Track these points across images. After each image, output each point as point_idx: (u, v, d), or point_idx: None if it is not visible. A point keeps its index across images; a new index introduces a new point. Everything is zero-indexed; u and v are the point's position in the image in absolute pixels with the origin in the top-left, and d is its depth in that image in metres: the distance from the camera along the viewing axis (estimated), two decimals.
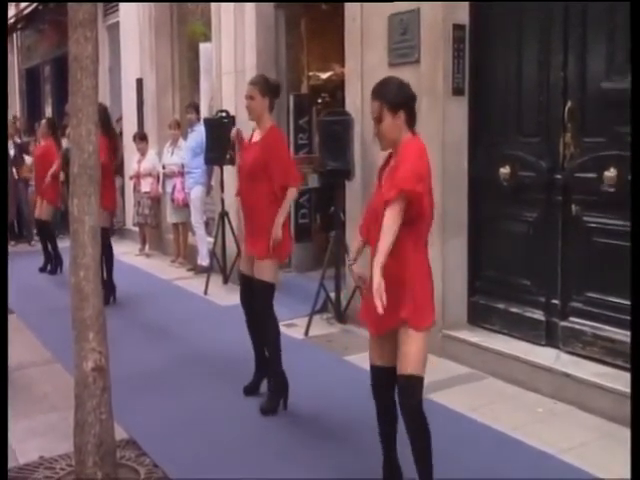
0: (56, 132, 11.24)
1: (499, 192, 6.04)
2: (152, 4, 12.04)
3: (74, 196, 3.94)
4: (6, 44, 16.75)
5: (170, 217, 10.99)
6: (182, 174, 10.61)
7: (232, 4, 9.25)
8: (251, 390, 5.47)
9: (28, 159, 13.48)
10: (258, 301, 5.21)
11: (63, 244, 10.22)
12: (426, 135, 6.16)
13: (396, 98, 3.69)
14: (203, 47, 10.87)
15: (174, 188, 10.74)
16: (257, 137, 5.34)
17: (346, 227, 7.35)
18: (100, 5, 13.50)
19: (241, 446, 4.70)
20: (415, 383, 3.60)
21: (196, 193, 10.18)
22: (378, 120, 3.71)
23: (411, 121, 3.76)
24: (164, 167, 11.06)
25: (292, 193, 5.26)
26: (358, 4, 7.00)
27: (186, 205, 10.53)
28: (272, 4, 9.04)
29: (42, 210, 10.60)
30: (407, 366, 3.59)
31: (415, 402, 3.60)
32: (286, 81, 9.34)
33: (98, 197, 4.00)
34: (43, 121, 11.57)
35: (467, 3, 6.19)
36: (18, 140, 14.14)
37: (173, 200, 10.76)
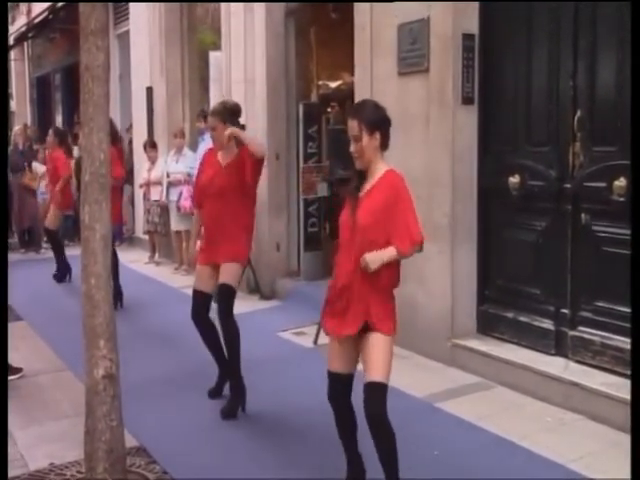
0: (65, 139, 11.30)
1: (508, 201, 6.04)
2: (162, 13, 12.08)
3: (85, 204, 3.98)
4: (6, 44, 16.80)
5: (176, 225, 11.02)
6: (188, 182, 10.67)
7: (242, 14, 9.27)
8: (215, 393, 5.67)
9: (39, 167, 13.50)
10: (221, 306, 5.44)
11: (73, 252, 10.35)
12: (436, 144, 6.26)
13: (374, 118, 3.84)
14: (213, 56, 10.91)
15: (180, 195, 10.79)
16: (225, 159, 5.56)
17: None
18: (110, 13, 13.56)
19: (251, 453, 4.71)
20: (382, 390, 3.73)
21: None
22: (357, 139, 3.83)
23: (385, 144, 3.89)
24: (168, 175, 11.09)
25: None
26: (368, 14, 7.01)
27: (193, 213, 10.55)
28: (282, 13, 9.06)
29: (50, 218, 10.65)
30: (375, 373, 3.73)
31: (381, 411, 3.71)
32: (296, 90, 9.38)
33: (109, 205, 4.03)
34: (50, 131, 11.62)
35: (477, 14, 6.20)
36: (20, 147, 14.08)
37: (179, 208, 10.80)
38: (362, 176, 3.92)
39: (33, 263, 12.15)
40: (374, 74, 7.02)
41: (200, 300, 5.56)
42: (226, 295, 5.42)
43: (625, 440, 4.61)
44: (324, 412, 5.33)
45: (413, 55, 6.49)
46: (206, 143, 10.11)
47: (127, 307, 8.49)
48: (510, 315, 6.09)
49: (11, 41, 19.17)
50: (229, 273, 5.44)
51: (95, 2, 3.96)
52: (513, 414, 5.28)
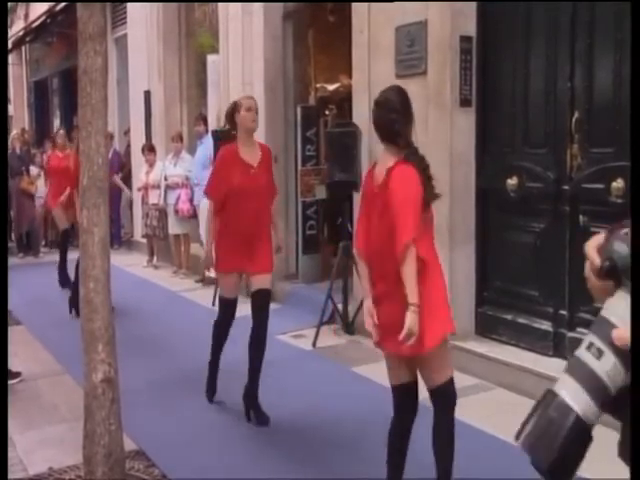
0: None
1: (507, 203, 6.05)
2: (160, 16, 12.09)
3: (84, 208, 3.97)
4: (6, 44, 16.80)
5: (173, 228, 11.04)
6: (186, 185, 10.69)
7: (240, 17, 9.28)
8: (212, 395, 5.64)
9: (35, 170, 13.51)
10: (266, 311, 5.33)
11: (72, 256, 10.31)
12: (434, 146, 6.25)
13: None
14: (211, 59, 10.91)
15: (178, 199, 10.80)
16: (253, 158, 5.33)
17: (353, 238, 7.35)
18: (108, 17, 13.57)
19: (248, 457, 4.71)
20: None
21: (206, 205, 10.19)
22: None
23: None
24: (166, 179, 11.11)
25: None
26: (365, 17, 7.01)
27: (191, 216, 10.58)
28: (280, 16, 9.07)
29: (60, 219, 10.66)
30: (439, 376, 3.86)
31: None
32: (294, 92, 9.39)
33: (107, 208, 4.03)
34: (61, 132, 11.91)
35: (474, 16, 6.21)
36: (18, 151, 14.05)
37: (177, 211, 10.82)
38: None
39: (31, 267, 12.15)
40: (372, 77, 7.03)
41: (230, 309, 5.46)
42: (268, 301, 5.38)
43: None
44: (324, 414, 5.35)
45: (411, 58, 6.51)
46: (204, 147, 10.14)
47: (126, 311, 8.46)
48: (509, 317, 6.10)
49: (9, 45, 19.18)
50: (268, 280, 5.40)
51: (93, 2, 3.95)
52: (512, 416, 5.24)
